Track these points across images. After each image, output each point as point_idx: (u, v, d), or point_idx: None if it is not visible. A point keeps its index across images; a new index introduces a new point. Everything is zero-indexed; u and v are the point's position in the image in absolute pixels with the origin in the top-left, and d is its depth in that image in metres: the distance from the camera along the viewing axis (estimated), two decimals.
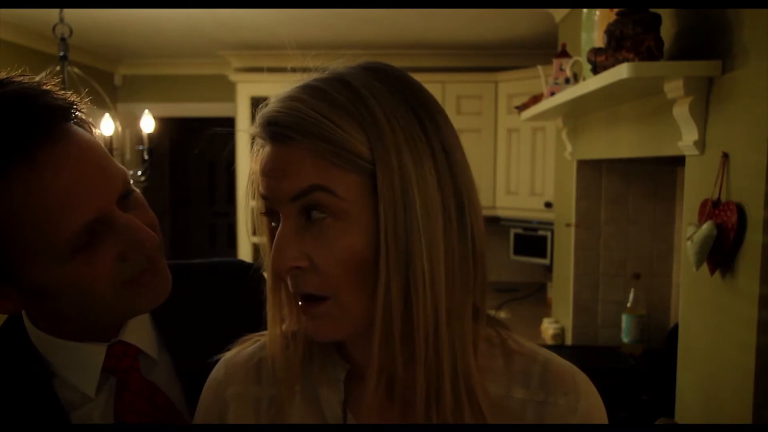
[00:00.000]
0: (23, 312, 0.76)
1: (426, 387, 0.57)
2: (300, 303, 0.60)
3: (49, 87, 0.66)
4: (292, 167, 0.56)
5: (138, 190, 0.74)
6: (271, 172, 0.57)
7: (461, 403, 0.58)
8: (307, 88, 0.58)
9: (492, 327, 0.65)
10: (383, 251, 0.55)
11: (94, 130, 0.71)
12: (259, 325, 0.68)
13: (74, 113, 0.68)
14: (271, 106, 0.58)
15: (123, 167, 0.72)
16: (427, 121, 0.58)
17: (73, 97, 0.68)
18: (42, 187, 0.61)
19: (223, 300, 0.86)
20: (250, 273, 0.83)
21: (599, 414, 0.64)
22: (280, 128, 0.56)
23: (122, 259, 0.68)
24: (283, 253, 0.56)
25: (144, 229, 0.69)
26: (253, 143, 0.62)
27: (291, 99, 0.57)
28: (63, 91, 0.67)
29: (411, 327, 0.56)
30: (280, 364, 0.66)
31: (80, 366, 0.75)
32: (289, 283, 0.59)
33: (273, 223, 0.60)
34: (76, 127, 0.67)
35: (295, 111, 0.56)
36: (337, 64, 0.62)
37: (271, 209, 0.59)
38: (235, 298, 0.84)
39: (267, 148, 0.58)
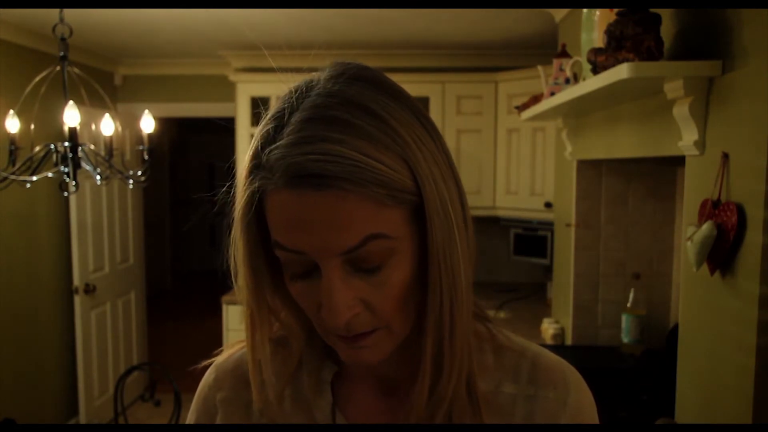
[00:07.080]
0: None
1: (447, 386, 0.57)
2: (343, 338, 0.56)
3: None
4: (340, 220, 0.49)
5: None
6: (306, 225, 0.50)
7: (463, 400, 0.58)
8: (330, 123, 0.50)
9: (479, 321, 0.65)
10: (435, 278, 0.54)
11: None
12: None
13: None
14: (296, 151, 0.49)
15: None
16: (429, 127, 0.56)
17: None
18: None
19: None
20: None
21: (589, 407, 0.64)
22: (327, 179, 0.48)
23: None
24: (338, 308, 0.52)
25: None
26: (252, 182, 0.52)
27: (322, 140, 0.49)
28: None
29: (455, 335, 0.56)
30: (268, 369, 0.64)
31: None
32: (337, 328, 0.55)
33: (293, 270, 0.55)
34: None
35: (340, 157, 0.48)
36: (309, 64, 0.58)
37: (299, 260, 0.53)
38: None
39: (291, 196, 0.50)
